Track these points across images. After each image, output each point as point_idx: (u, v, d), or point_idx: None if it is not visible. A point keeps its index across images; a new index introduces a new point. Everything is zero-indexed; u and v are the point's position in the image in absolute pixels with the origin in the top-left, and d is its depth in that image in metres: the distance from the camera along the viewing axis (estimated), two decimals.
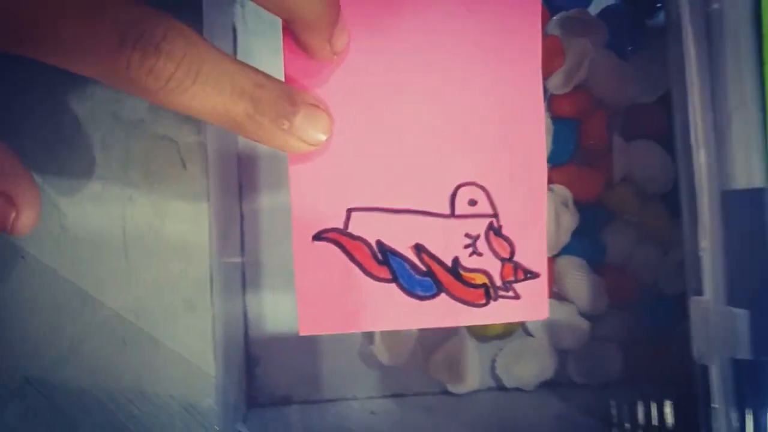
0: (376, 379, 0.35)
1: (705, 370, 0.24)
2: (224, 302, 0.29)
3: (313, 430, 0.28)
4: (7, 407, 0.24)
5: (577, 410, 0.33)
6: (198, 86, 0.18)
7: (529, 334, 0.36)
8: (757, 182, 0.23)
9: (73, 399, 0.24)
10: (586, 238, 0.36)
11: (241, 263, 0.34)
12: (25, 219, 0.19)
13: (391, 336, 0.34)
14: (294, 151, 0.21)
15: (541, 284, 0.24)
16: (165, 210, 0.25)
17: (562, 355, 0.36)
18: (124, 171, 0.25)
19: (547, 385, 0.36)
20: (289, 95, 0.21)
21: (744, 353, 0.23)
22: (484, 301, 0.25)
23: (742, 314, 0.23)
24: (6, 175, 0.19)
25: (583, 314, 0.36)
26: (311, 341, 0.35)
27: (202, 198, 0.25)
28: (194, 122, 0.25)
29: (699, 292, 0.24)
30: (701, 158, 0.23)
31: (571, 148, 0.36)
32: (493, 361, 0.36)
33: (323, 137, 0.21)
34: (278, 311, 0.34)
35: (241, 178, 0.32)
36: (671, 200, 0.35)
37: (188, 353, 0.25)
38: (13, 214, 0.19)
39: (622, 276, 0.36)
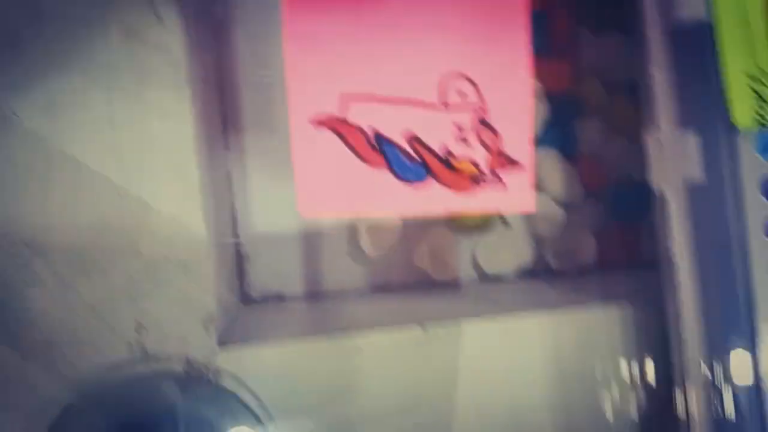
0: (363, 273, 0.36)
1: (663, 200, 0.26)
2: (210, 168, 0.30)
3: (306, 324, 0.29)
4: (9, 273, 0.25)
5: (555, 294, 0.34)
6: None
7: (506, 224, 0.38)
8: (701, 15, 0.24)
9: (71, 261, 0.26)
10: (557, 130, 0.37)
11: (227, 162, 0.35)
12: None
13: (375, 229, 0.35)
14: None
15: (527, 176, 0.26)
16: (149, 77, 0.26)
17: (539, 243, 0.37)
18: (104, 38, 0.26)
19: (526, 273, 0.38)
20: None
21: (696, 175, 0.24)
22: (471, 189, 0.26)
23: (692, 137, 0.24)
24: None
25: (557, 203, 0.37)
26: (300, 239, 0.36)
27: (182, 62, 0.26)
28: None
29: (654, 122, 0.25)
30: None
31: (540, 41, 0.37)
32: (474, 253, 0.37)
33: None
34: (267, 211, 0.35)
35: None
36: (639, 90, 0.37)
37: (179, 215, 0.26)
38: None
39: (594, 165, 0.37)
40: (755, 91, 0.23)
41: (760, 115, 0.24)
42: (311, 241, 0.36)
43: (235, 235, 0.35)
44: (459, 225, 0.37)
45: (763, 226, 0.24)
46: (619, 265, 0.38)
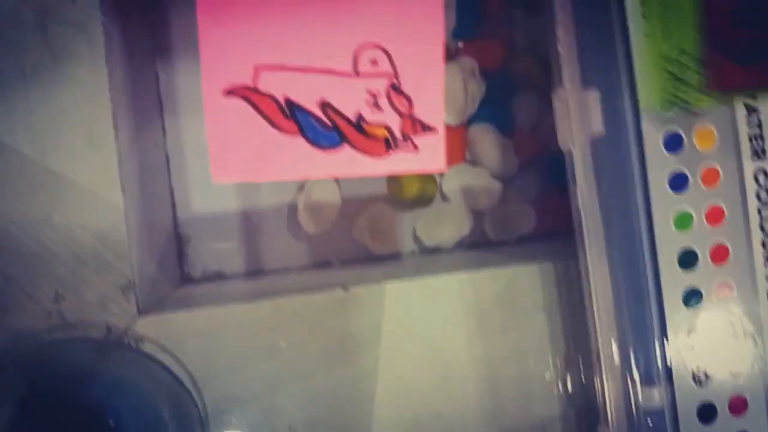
0: (304, 249, 0.36)
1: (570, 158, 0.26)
2: (144, 149, 0.30)
3: (247, 301, 0.29)
4: None
5: (493, 263, 0.34)
6: None
7: (445, 198, 0.38)
8: None
9: None
10: (493, 106, 0.38)
11: (164, 146, 0.36)
12: None
13: (314, 205, 0.36)
14: None
15: (438, 138, 0.26)
16: (63, 54, 0.26)
17: (477, 216, 0.38)
18: (16, 16, 0.26)
19: (465, 245, 0.38)
20: None
21: (597, 128, 0.25)
22: (385, 153, 0.27)
23: (594, 94, 0.25)
24: None
25: (494, 176, 0.38)
26: (239, 218, 0.36)
27: (97, 38, 0.26)
28: None
29: (560, 83, 0.26)
30: None
31: (474, 21, 0.37)
32: (414, 227, 0.37)
33: None
34: (205, 191, 0.35)
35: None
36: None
37: (95, 187, 0.26)
38: None
39: (530, 139, 0.38)
40: (671, 73, 0.24)
41: (676, 96, 0.24)
42: (251, 220, 0.36)
43: (174, 216, 0.36)
44: (398, 200, 0.37)
45: (667, 180, 0.25)
46: (557, 233, 0.38)
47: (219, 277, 0.36)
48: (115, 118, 0.27)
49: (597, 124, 0.24)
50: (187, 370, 0.27)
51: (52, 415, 0.25)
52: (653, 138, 0.25)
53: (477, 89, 0.37)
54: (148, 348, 0.27)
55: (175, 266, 0.35)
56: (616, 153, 0.25)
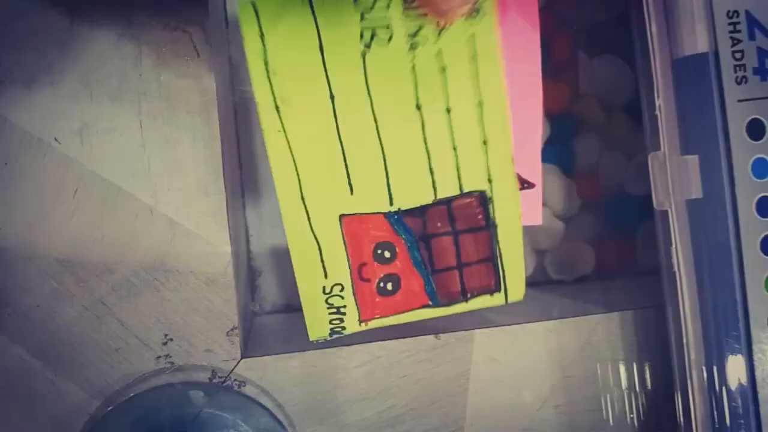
0: None
1: (664, 216, 0.27)
2: (235, 185, 0.31)
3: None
4: (40, 288, 0.26)
5: (557, 303, 0.35)
6: None
7: None
8: (702, 48, 0.26)
9: (100, 275, 0.26)
10: (557, 147, 0.38)
11: (240, 179, 0.36)
12: None
13: None
14: None
15: (536, 193, 0.27)
16: (178, 103, 0.27)
17: (540, 255, 0.38)
18: (135, 66, 0.27)
19: (528, 283, 0.39)
20: None
21: (696, 193, 0.26)
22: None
23: (692, 159, 0.26)
24: None
25: (557, 216, 0.38)
26: None
27: (210, 88, 0.27)
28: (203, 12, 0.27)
29: (656, 148, 0.27)
30: (653, 29, 0.26)
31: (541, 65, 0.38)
32: None
33: None
34: (277, 226, 0.36)
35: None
36: (632, 109, 0.38)
37: (205, 233, 0.27)
38: None
39: (591, 180, 0.39)
40: (329, 304, 0.25)
41: (335, 324, 0.26)
42: None
43: (249, 250, 0.36)
44: None
45: (759, 243, 0.26)
46: (616, 274, 0.39)
47: (287, 309, 0.37)
48: (224, 165, 0.28)
49: (696, 189, 0.25)
50: (285, 413, 0.28)
51: None
52: (747, 202, 0.26)
53: (543, 130, 0.38)
54: (249, 391, 0.28)
55: (251, 300, 0.36)
56: (713, 216, 0.25)
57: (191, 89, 0.27)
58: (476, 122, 0.25)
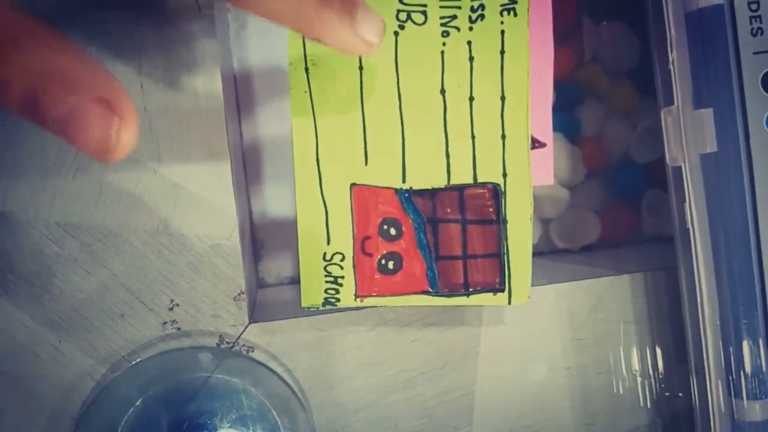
0: None
1: (677, 172, 0.27)
2: (237, 153, 0.30)
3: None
4: (42, 252, 0.25)
5: (562, 269, 0.34)
6: None
7: None
8: (717, 0, 0.25)
9: (103, 239, 0.25)
10: (562, 114, 0.38)
11: (242, 150, 0.35)
12: (129, 132, 0.16)
13: None
14: (351, 52, 0.21)
15: (547, 153, 0.27)
16: (178, 62, 0.26)
17: (545, 223, 0.38)
18: (137, 23, 0.26)
19: (534, 252, 0.38)
20: None
21: (711, 146, 0.25)
22: None
23: (707, 113, 0.25)
24: (103, 83, 0.16)
25: (562, 184, 0.38)
26: None
27: (212, 46, 0.26)
28: None
29: (670, 102, 0.26)
30: None
31: None
32: None
33: (377, 40, 0.21)
34: (278, 200, 0.35)
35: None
36: (637, 77, 0.37)
37: (209, 195, 0.26)
38: (117, 121, 0.16)
39: (597, 147, 0.38)
40: (328, 272, 0.25)
41: (330, 293, 0.25)
42: None
43: (252, 222, 0.35)
44: None
45: None
46: (622, 242, 0.38)
47: (293, 281, 0.36)
48: (227, 127, 0.27)
49: (711, 142, 0.25)
50: (294, 378, 0.27)
51: (166, 421, 0.25)
52: (762, 155, 0.25)
53: None
54: (258, 356, 0.27)
55: (255, 271, 0.35)
56: (728, 169, 0.25)
57: (193, 47, 0.26)
58: (497, 115, 0.25)
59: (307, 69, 0.24)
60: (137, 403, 0.25)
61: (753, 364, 0.25)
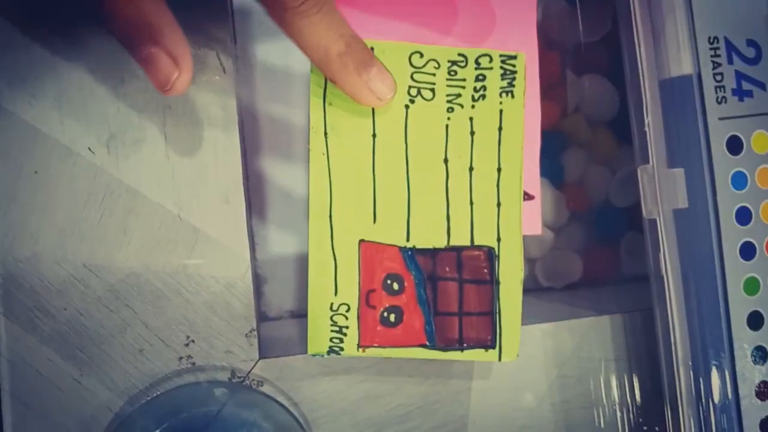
0: None
1: (653, 225, 0.29)
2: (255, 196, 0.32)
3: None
4: (68, 291, 0.27)
5: (547, 308, 0.36)
6: (319, 16, 0.22)
7: None
8: (686, 71, 0.28)
9: (125, 278, 0.27)
10: (547, 161, 0.40)
11: (246, 189, 0.37)
12: (184, 79, 0.22)
13: None
14: (363, 102, 0.25)
15: (536, 205, 0.29)
16: (201, 116, 0.28)
17: (530, 263, 0.40)
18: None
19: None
20: (369, 52, 0.25)
21: (683, 202, 0.28)
22: None
23: (679, 172, 0.28)
24: (170, 36, 0.22)
25: (547, 226, 0.40)
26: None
27: (232, 102, 0.28)
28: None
29: (646, 161, 0.29)
30: (642, 52, 0.28)
31: None
32: None
33: (389, 95, 0.25)
34: (282, 235, 0.37)
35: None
36: (616, 126, 0.40)
37: (225, 240, 0.28)
38: (176, 75, 0.22)
39: (579, 192, 0.41)
40: (333, 321, 0.27)
41: (334, 342, 0.27)
42: None
43: (254, 258, 0.37)
44: None
45: (739, 249, 0.28)
46: (603, 281, 0.41)
47: (292, 316, 0.38)
48: (245, 175, 0.29)
49: (682, 199, 0.27)
50: (301, 411, 0.29)
51: None
52: (727, 212, 0.28)
53: None
54: (267, 390, 0.29)
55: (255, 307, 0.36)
56: (698, 223, 0.27)
57: (214, 103, 0.28)
58: (494, 184, 0.27)
59: (326, 133, 0.26)
60: None
61: (721, 402, 0.28)
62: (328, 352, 0.27)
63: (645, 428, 0.32)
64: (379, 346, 0.27)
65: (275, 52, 0.35)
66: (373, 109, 0.26)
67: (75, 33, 0.27)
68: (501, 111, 0.27)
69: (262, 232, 0.37)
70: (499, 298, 0.27)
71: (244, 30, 0.33)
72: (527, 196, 0.28)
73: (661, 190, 0.28)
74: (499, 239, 0.27)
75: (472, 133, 0.27)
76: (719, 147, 0.28)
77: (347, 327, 0.27)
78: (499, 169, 0.27)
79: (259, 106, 0.35)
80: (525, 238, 0.39)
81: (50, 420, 0.27)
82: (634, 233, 0.40)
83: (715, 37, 0.28)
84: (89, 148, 0.27)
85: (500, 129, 0.27)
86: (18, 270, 0.26)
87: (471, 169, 0.27)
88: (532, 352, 0.31)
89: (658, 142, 0.28)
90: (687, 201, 0.27)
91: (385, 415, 0.30)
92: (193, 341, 0.28)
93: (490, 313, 0.27)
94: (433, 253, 0.27)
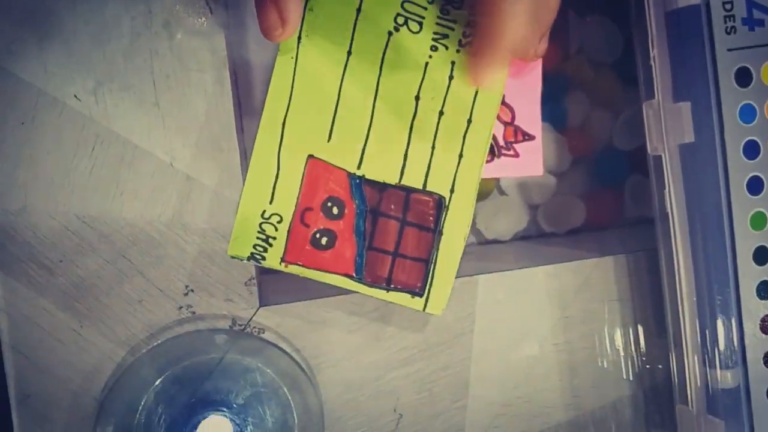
0: None
1: (658, 162, 0.28)
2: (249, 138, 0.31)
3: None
4: (63, 243, 0.26)
5: (550, 252, 0.36)
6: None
7: (503, 193, 0.40)
8: (694, 0, 0.27)
9: (120, 229, 0.27)
10: (549, 105, 0.39)
11: (239, 134, 0.36)
12: (285, 36, 0.23)
13: None
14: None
15: (537, 145, 0.28)
16: (190, 61, 0.27)
17: (532, 209, 0.39)
18: (148, 26, 0.27)
19: (521, 236, 0.40)
20: None
21: (689, 137, 0.27)
22: (490, 158, 0.28)
23: (685, 106, 0.27)
24: None
25: (549, 172, 0.39)
26: None
27: (221, 46, 0.27)
28: None
29: (651, 96, 0.28)
30: None
31: None
32: (474, 219, 0.39)
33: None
34: None
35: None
36: (620, 68, 0.39)
37: (220, 188, 0.27)
38: (279, 31, 0.23)
39: (582, 135, 0.40)
40: (261, 229, 0.25)
41: (257, 249, 0.25)
42: None
43: None
44: None
45: (746, 183, 0.27)
46: (606, 226, 0.40)
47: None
48: (237, 121, 0.28)
49: (688, 134, 0.26)
50: (303, 356, 0.29)
51: (183, 399, 0.27)
52: (735, 146, 0.27)
53: None
54: (269, 337, 0.28)
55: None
56: (704, 159, 0.27)
57: (202, 47, 0.27)
58: (460, 134, 0.26)
59: (299, 38, 0.25)
60: (156, 384, 0.27)
61: (726, 336, 0.27)
62: (249, 258, 0.26)
63: (648, 368, 0.32)
64: (303, 266, 0.26)
65: None
66: (354, 25, 0.25)
67: None
68: None
69: None
70: (438, 249, 0.26)
71: None
72: (528, 137, 0.28)
73: (667, 125, 0.27)
74: (452, 190, 0.26)
75: (451, 77, 0.26)
76: (727, 79, 0.27)
77: (274, 238, 0.26)
78: (469, 121, 0.26)
79: (251, 47, 0.34)
80: (527, 183, 0.38)
81: (53, 372, 0.27)
82: (637, 176, 0.39)
83: None
84: (75, 96, 0.26)
85: None
86: (9, 222, 0.26)
87: (441, 113, 0.26)
88: (536, 294, 0.31)
89: (664, 76, 0.27)
90: (693, 135, 0.26)
91: (388, 358, 0.30)
92: (192, 291, 0.27)
93: (426, 261, 0.26)
94: (381, 187, 0.26)
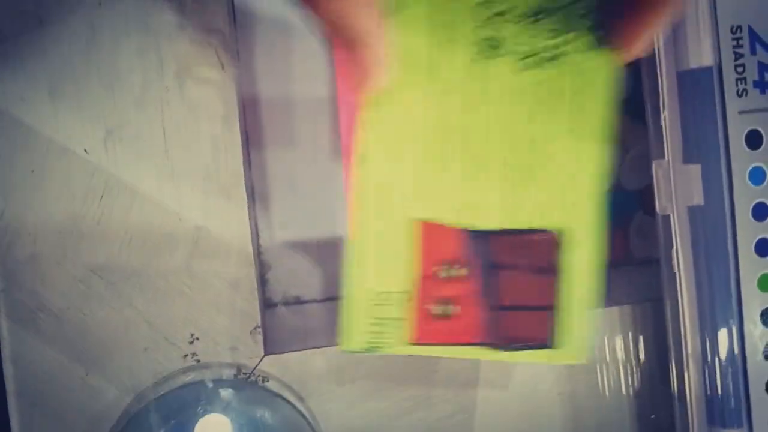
0: None
1: (666, 220, 0.28)
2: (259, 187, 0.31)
3: (323, 323, 0.31)
4: (70, 291, 0.26)
5: None
6: None
7: None
8: (706, 62, 0.27)
9: (127, 278, 0.27)
10: None
11: (248, 179, 0.36)
12: (373, 86, 0.21)
13: None
14: None
15: None
16: (200, 110, 0.27)
17: None
18: (160, 77, 0.27)
19: None
20: None
21: (698, 200, 0.27)
22: None
23: (695, 168, 0.27)
24: (370, 39, 0.20)
25: None
26: (317, 247, 0.37)
27: (231, 95, 0.27)
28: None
29: (661, 155, 0.28)
30: (661, 41, 0.27)
31: None
32: None
33: None
34: (285, 221, 0.36)
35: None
36: (629, 105, 0.39)
37: (228, 236, 0.27)
38: (366, 83, 0.21)
39: None
40: (374, 314, 0.22)
41: (373, 337, 0.22)
42: (328, 249, 0.37)
43: (258, 245, 0.36)
44: None
45: (754, 245, 0.27)
46: (613, 262, 0.40)
47: (297, 301, 0.37)
48: (246, 171, 0.28)
49: (698, 197, 0.26)
50: (307, 405, 0.29)
51: None
52: (744, 208, 0.27)
53: None
54: (273, 385, 0.28)
55: (261, 293, 0.36)
56: (713, 222, 0.26)
57: (214, 99, 0.27)
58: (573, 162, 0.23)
59: (379, 104, 0.22)
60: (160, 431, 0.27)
61: (735, 401, 0.27)
62: (368, 349, 0.22)
63: (649, 387, 0.32)
64: (431, 344, 0.22)
65: (276, 45, 0.33)
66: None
67: (66, 24, 0.26)
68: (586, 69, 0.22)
69: (265, 219, 0.36)
70: (564, 291, 0.23)
71: (244, 23, 0.32)
72: None
73: (676, 186, 0.27)
74: (569, 222, 0.23)
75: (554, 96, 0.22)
76: (737, 142, 0.26)
77: (393, 320, 0.22)
78: (577, 143, 0.22)
79: (262, 99, 0.34)
80: None
81: (59, 419, 0.27)
82: (644, 216, 0.39)
83: (738, 26, 0.26)
84: (85, 150, 0.26)
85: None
86: (18, 271, 0.26)
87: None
88: None
89: (675, 137, 0.27)
90: (703, 198, 0.26)
91: (394, 407, 0.30)
92: (197, 339, 0.27)
93: (551, 308, 0.23)
94: (494, 235, 0.22)
